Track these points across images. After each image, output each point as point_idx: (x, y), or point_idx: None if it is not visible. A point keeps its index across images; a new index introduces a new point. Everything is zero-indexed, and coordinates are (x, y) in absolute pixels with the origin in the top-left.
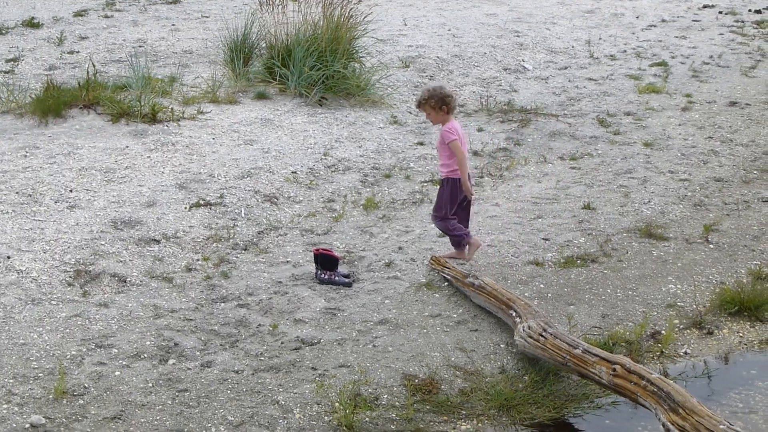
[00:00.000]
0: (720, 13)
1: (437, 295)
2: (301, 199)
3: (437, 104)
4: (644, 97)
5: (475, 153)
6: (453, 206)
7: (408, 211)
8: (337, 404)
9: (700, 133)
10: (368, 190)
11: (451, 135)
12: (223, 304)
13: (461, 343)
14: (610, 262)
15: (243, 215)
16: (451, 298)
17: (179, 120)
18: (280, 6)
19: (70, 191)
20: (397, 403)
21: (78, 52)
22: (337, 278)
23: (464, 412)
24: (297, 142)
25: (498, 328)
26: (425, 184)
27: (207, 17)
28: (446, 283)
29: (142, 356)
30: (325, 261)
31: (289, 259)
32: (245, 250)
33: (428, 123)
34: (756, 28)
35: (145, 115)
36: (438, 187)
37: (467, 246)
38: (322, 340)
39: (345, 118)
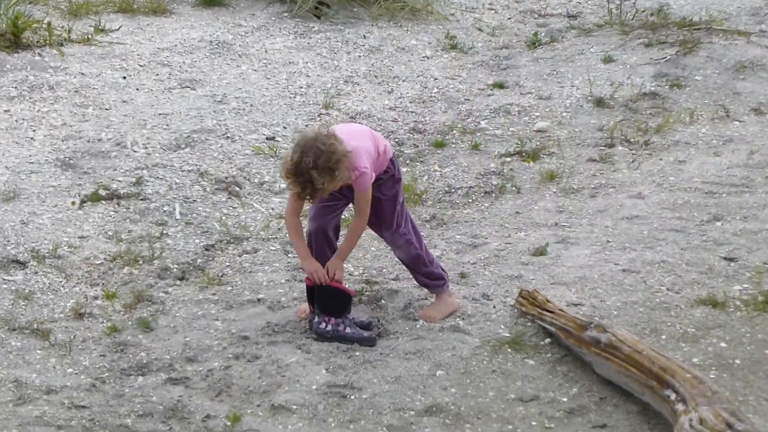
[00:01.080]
0: None
1: (531, 362)
2: (284, 186)
3: (330, 172)
4: None
5: (600, 102)
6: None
7: (476, 207)
8: None
9: None
10: (405, 170)
11: (365, 183)
12: (141, 379)
13: None
14: None
15: (178, 216)
16: (558, 366)
17: (62, 44)
18: None
19: None
20: None
21: None
22: (349, 330)
23: None
24: (276, 83)
25: (644, 421)
26: (508, 159)
27: None
28: (548, 340)
29: None
30: (329, 299)
31: (261, 296)
32: (182, 279)
33: (512, 48)
34: None
35: (1, 35)
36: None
37: (447, 287)
38: None
39: (362, 41)
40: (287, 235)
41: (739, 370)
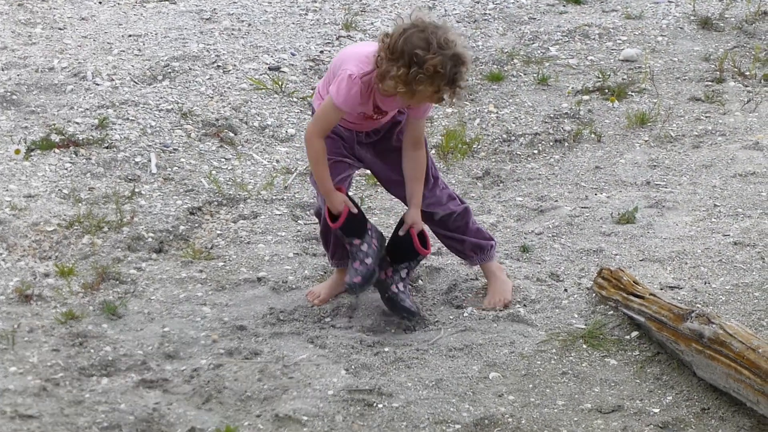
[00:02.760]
0: None
1: (613, 362)
2: (293, 132)
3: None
4: None
5: (706, 23)
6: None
7: (544, 160)
8: None
9: None
10: (450, 111)
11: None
12: (106, 381)
13: None
14: None
15: (154, 170)
16: (647, 368)
17: None
18: None
19: None
20: None
21: None
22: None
23: None
24: None
25: None
26: (586, 97)
27: None
28: (635, 333)
29: None
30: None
31: (262, 274)
32: (159, 251)
33: None
34: None
35: None
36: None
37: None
38: None
39: None
40: (311, 177)
41: None
